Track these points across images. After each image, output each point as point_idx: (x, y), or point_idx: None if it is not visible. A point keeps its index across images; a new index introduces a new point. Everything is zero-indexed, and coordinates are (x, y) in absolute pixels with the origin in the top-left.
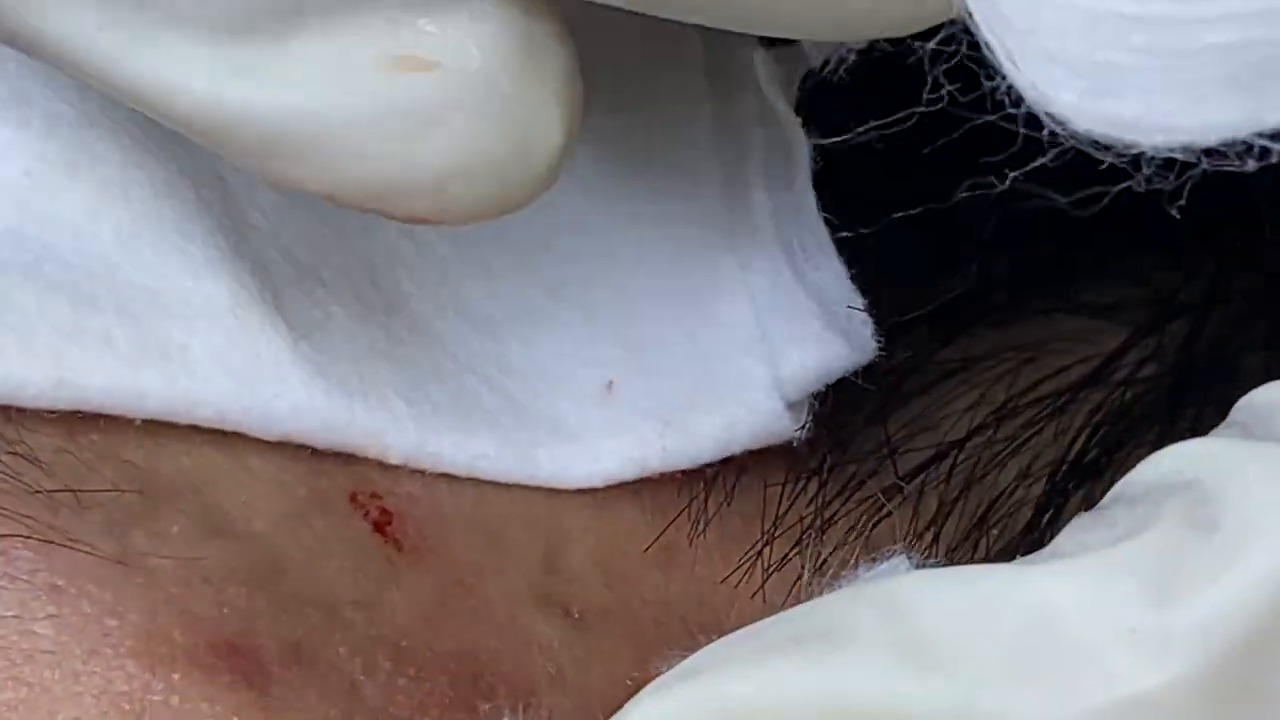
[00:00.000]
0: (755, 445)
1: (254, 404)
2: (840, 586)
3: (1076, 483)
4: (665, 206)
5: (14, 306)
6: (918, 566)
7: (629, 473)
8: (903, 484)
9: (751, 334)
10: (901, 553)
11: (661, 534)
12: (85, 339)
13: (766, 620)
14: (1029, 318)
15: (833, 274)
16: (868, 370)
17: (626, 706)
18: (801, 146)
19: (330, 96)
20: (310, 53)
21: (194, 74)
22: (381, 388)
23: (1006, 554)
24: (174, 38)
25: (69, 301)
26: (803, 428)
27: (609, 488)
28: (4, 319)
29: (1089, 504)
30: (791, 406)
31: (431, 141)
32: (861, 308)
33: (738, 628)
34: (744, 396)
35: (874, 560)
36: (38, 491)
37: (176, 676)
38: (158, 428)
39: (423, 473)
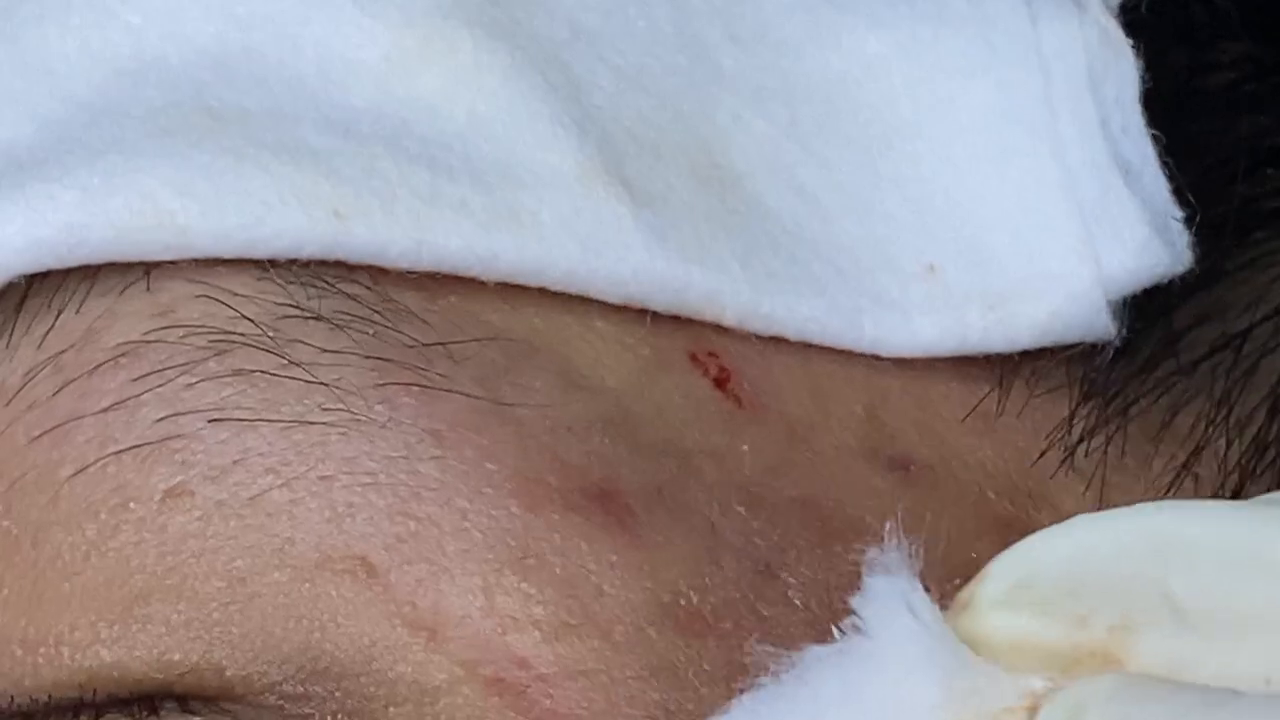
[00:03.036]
0: (1071, 338)
1: (599, 266)
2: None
3: None
4: (998, 118)
5: (377, 174)
6: None
7: (947, 347)
8: (1193, 367)
9: (1077, 234)
10: None
11: (979, 404)
12: (443, 205)
13: None
14: None
15: (1155, 183)
16: None
17: None
18: (1129, 62)
19: None
20: None
21: None
22: (718, 253)
23: None
24: None
25: (428, 170)
26: (1121, 329)
27: (926, 360)
28: (369, 184)
29: None
30: (1110, 304)
31: None
32: (1181, 218)
33: (1051, 498)
34: (1066, 289)
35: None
36: (413, 344)
37: (556, 517)
38: (509, 290)
39: (753, 336)
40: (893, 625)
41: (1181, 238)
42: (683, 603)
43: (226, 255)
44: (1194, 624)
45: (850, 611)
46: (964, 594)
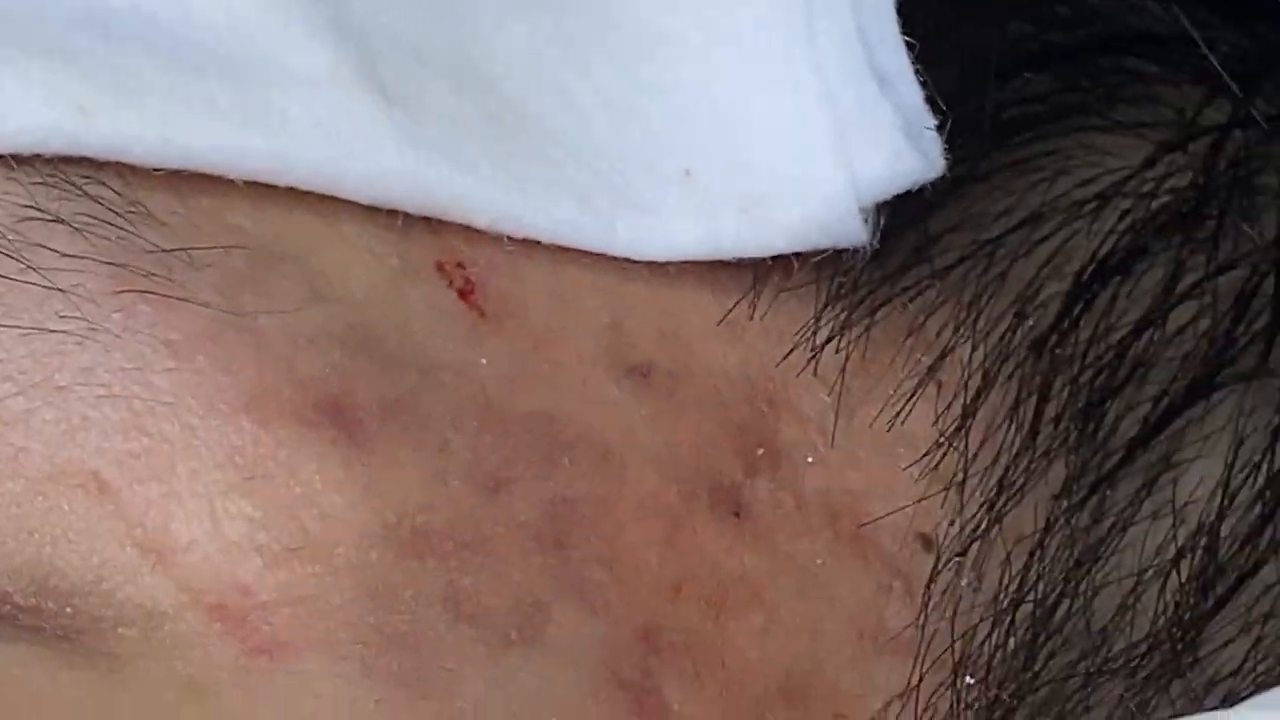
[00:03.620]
0: (824, 243)
1: (349, 166)
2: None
3: (1102, 282)
4: (761, 28)
5: (127, 71)
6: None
7: (702, 251)
8: (943, 273)
9: (832, 141)
10: None
11: (729, 313)
12: (192, 101)
13: None
14: (1064, 134)
15: (910, 91)
16: None
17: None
18: None
19: None
20: None
21: None
22: (473, 156)
23: (1038, 344)
24: None
25: (178, 68)
26: (874, 235)
27: (679, 265)
28: (117, 81)
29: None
30: (863, 212)
31: None
32: (934, 125)
33: (792, 402)
34: (820, 193)
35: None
36: (153, 250)
37: (285, 432)
38: (260, 193)
39: (503, 242)
40: None
41: (935, 145)
42: (407, 524)
43: None
44: None
45: None
46: None
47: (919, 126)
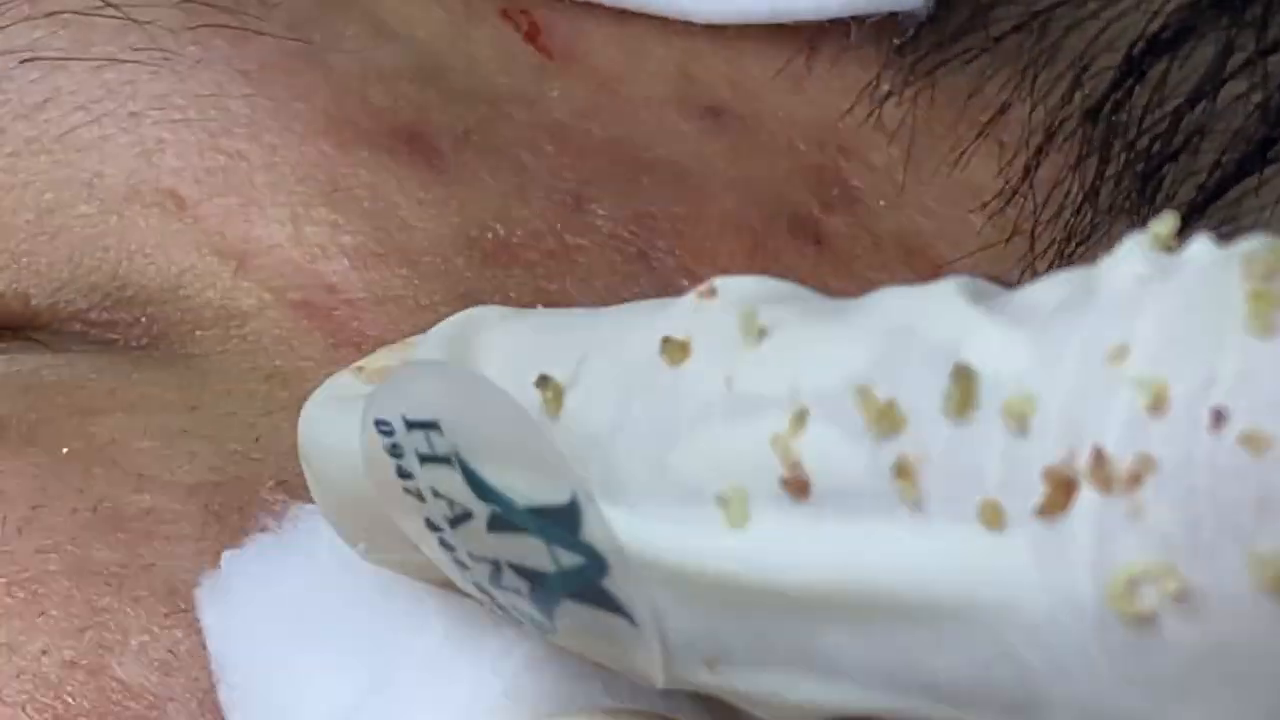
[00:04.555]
0: (881, 8)
1: None
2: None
3: (1154, 56)
4: None
5: None
6: None
7: (759, 13)
8: (997, 41)
9: None
10: None
11: (789, 64)
12: None
13: None
14: None
15: None
16: None
17: None
18: None
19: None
20: None
21: None
22: None
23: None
24: None
25: None
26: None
27: (739, 26)
28: None
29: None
30: None
31: None
32: None
33: (862, 152)
34: None
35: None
36: None
37: (364, 154)
38: None
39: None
40: None
41: None
42: (489, 235)
43: None
44: None
45: None
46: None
47: None
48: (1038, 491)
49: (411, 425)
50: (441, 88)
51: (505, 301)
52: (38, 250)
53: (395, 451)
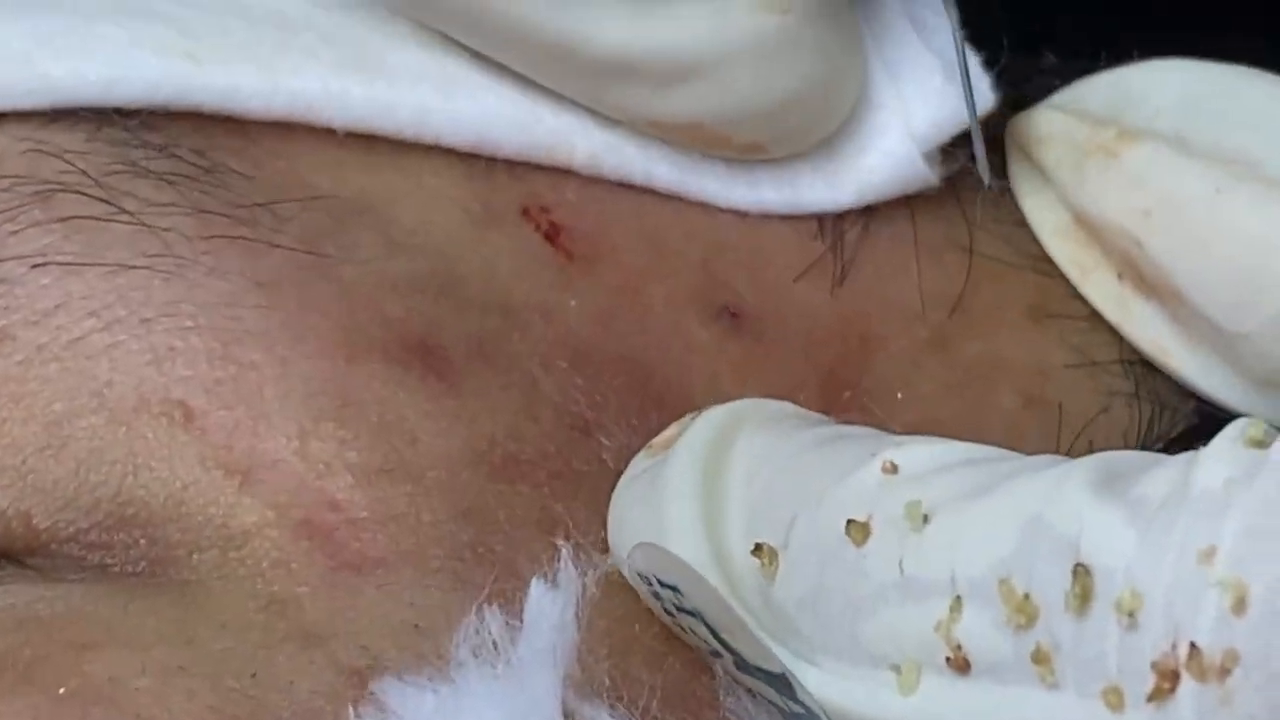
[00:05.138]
0: (894, 192)
1: (448, 107)
2: None
3: None
4: None
5: (227, 29)
6: None
7: (781, 206)
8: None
9: (887, 92)
10: None
11: (816, 260)
12: (293, 51)
13: None
14: None
15: (950, 37)
16: None
17: None
18: None
19: (715, 33)
20: (696, 3)
21: (607, 26)
22: (568, 101)
23: None
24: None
25: (276, 29)
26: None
27: (761, 214)
28: (220, 36)
29: None
30: (926, 156)
31: (782, 73)
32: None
33: (887, 339)
34: (882, 145)
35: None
36: (241, 204)
37: (375, 367)
38: (335, 155)
39: (588, 187)
40: None
41: (982, 81)
42: (499, 451)
43: (84, 101)
44: (1188, 150)
45: None
46: None
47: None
48: (1148, 680)
49: (663, 584)
50: (457, 297)
51: (510, 519)
52: (44, 467)
53: (656, 597)
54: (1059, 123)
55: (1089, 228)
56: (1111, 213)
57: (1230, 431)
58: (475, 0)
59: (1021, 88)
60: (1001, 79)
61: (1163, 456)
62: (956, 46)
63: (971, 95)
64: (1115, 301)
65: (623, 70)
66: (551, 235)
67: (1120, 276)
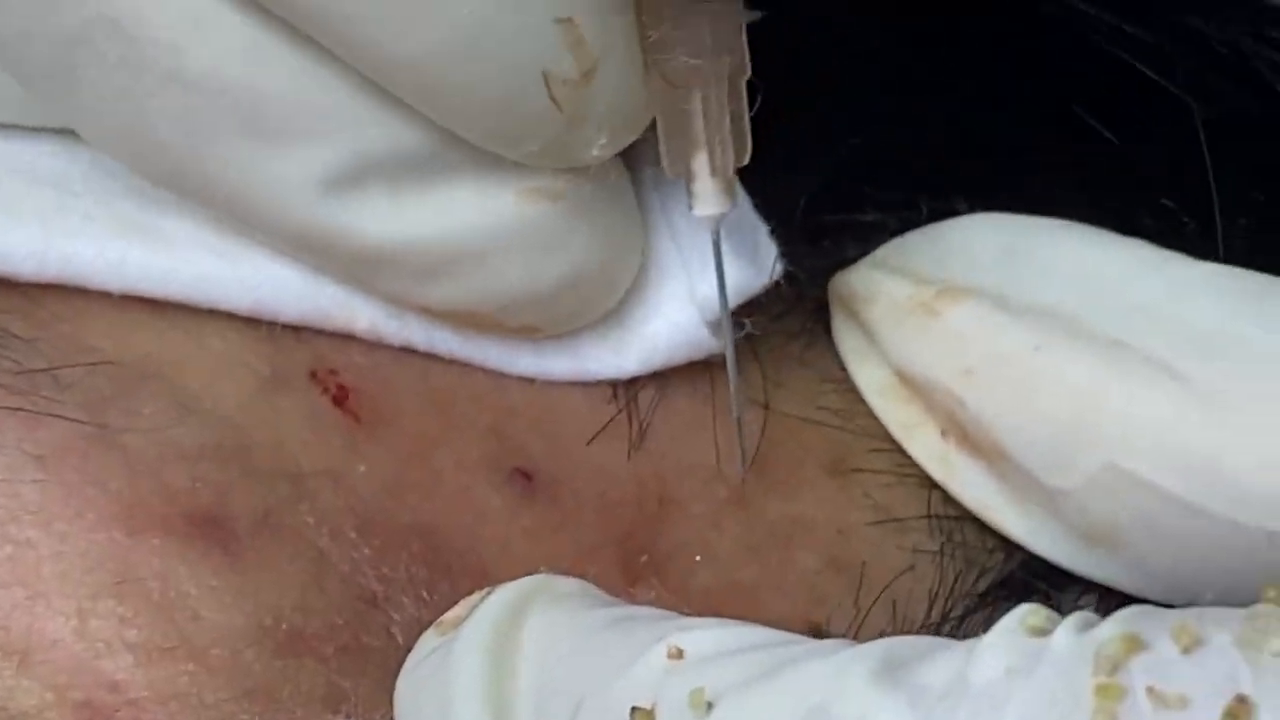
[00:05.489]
0: (678, 358)
1: (230, 273)
2: None
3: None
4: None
5: (6, 191)
6: None
7: (568, 374)
8: None
9: (675, 260)
10: None
11: (609, 424)
12: (70, 214)
13: None
14: None
15: (740, 210)
16: None
17: None
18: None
19: (482, 222)
20: (461, 191)
21: (366, 216)
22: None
23: None
24: (354, 191)
25: (56, 190)
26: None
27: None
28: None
29: None
30: (709, 324)
31: (555, 260)
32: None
33: (684, 501)
34: (667, 312)
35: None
36: (18, 370)
37: (156, 542)
38: (120, 317)
39: (374, 350)
40: None
41: (768, 255)
42: (284, 625)
43: None
44: (1008, 307)
45: None
46: None
47: (753, 241)
48: None
49: None
50: (244, 465)
51: (294, 696)
52: None
53: None
54: (879, 281)
55: (912, 385)
56: (934, 371)
57: (1009, 621)
58: (237, 192)
59: (842, 243)
60: (822, 235)
61: (948, 641)
62: (719, 281)
63: (731, 333)
64: (939, 460)
65: (385, 261)
66: (340, 398)
67: (944, 434)
